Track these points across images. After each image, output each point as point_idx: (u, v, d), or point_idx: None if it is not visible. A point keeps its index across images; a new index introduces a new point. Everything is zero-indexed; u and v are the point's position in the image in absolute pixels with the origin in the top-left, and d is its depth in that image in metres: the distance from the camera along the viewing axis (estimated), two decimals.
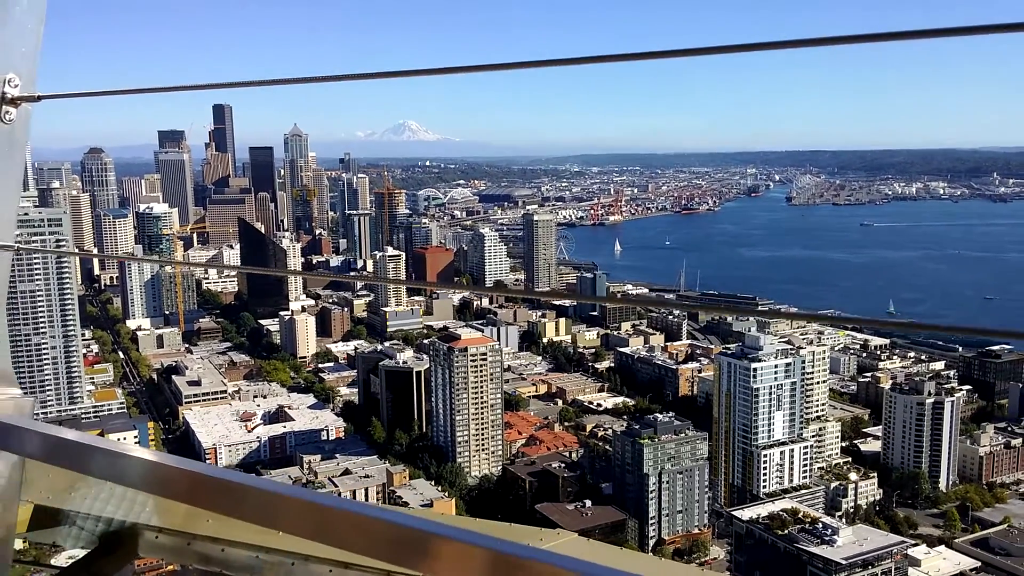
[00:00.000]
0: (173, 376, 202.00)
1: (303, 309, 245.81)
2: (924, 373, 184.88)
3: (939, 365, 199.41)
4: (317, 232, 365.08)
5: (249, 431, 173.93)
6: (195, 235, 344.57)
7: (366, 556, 3.73)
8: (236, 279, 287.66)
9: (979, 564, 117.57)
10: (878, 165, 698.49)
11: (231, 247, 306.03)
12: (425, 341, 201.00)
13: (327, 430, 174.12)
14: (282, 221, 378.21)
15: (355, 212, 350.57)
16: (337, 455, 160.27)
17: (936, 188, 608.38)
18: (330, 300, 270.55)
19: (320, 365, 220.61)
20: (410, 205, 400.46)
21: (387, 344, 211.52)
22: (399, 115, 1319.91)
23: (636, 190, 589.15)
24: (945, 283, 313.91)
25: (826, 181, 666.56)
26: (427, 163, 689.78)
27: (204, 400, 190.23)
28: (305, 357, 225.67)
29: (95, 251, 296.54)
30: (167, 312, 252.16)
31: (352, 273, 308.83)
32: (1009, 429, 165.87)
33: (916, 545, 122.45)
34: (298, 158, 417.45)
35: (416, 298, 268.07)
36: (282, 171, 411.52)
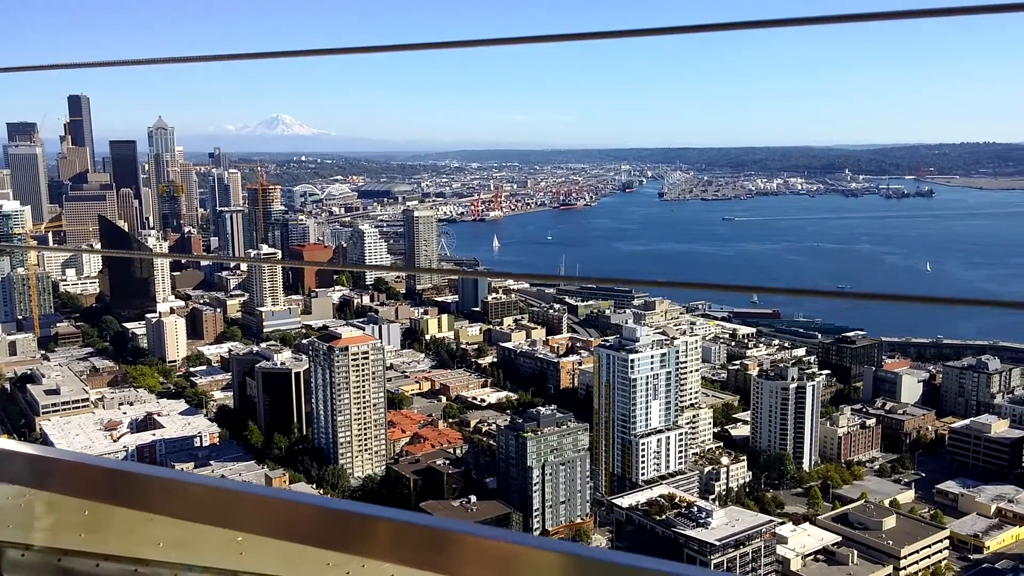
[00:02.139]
0: (28, 385, 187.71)
1: (172, 311, 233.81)
2: (787, 360, 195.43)
3: (801, 352, 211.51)
4: (186, 230, 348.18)
5: (115, 440, 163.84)
6: (51, 234, 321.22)
7: (291, 541, 3.81)
8: (97, 280, 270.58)
9: (840, 539, 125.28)
10: (742, 162, 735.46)
11: (91, 247, 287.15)
12: (304, 341, 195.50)
13: (200, 436, 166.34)
14: (147, 219, 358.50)
15: (227, 209, 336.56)
16: (212, 462, 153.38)
17: (795, 184, 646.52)
18: (201, 300, 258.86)
19: (191, 369, 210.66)
20: (286, 201, 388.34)
21: (264, 345, 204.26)
22: (272, 108, 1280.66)
23: (515, 186, 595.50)
24: (804, 274, 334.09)
25: (695, 177, 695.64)
26: (303, 158, 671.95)
27: (64, 409, 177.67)
28: (175, 361, 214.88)
29: None
30: (20, 317, 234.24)
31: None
32: (864, 410, 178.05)
33: (783, 523, 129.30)
34: (164, 152, 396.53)
35: (293, 297, 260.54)
36: (146, 166, 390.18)
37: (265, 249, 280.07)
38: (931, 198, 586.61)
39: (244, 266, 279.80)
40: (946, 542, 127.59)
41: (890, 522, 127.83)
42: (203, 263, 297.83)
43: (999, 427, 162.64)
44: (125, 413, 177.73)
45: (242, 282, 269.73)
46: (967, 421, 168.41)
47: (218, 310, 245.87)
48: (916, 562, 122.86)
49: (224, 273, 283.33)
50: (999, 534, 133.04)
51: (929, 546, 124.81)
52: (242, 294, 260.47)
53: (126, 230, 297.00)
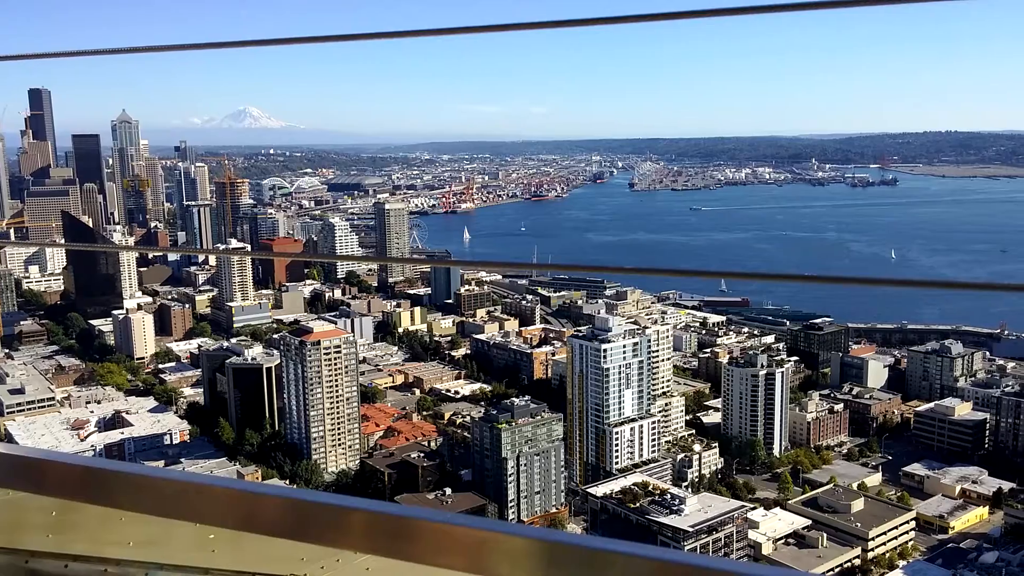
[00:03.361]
0: None
1: (139, 307, 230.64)
2: (757, 347, 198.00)
3: (770, 339, 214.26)
4: (152, 225, 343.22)
5: (82, 439, 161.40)
6: (12, 231, 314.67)
7: (258, 533, 3.80)
8: (61, 277, 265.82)
9: (810, 522, 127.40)
10: (711, 152, 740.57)
11: (55, 243, 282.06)
12: (275, 336, 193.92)
13: (170, 434, 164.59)
14: (112, 214, 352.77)
15: (194, 203, 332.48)
16: (182, 459, 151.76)
17: (763, 173, 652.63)
18: (169, 296, 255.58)
19: (160, 366, 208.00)
20: (254, 195, 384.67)
21: (234, 340, 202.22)
22: (239, 101, 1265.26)
23: (487, 178, 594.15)
24: (772, 263, 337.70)
25: (665, 168, 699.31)
26: (271, 151, 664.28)
27: (29, 409, 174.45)
28: (143, 358, 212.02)
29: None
30: None
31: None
32: (832, 395, 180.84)
33: (754, 508, 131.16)
34: (128, 146, 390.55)
35: (264, 291, 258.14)
36: (110, 160, 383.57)
37: (234, 243, 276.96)
38: (895, 186, 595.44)
39: (213, 261, 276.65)
40: (912, 523, 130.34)
41: (858, 505, 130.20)
42: (171, 258, 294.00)
43: (962, 410, 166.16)
44: (92, 412, 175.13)
45: (211, 277, 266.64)
46: (931, 404, 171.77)
47: (187, 306, 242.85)
48: (884, 543, 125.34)
49: (192, 268, 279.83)
50: (963, 514, 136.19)
51: (896, 527, 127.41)
52: (211, 289, 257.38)
53: (90, 225, 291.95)
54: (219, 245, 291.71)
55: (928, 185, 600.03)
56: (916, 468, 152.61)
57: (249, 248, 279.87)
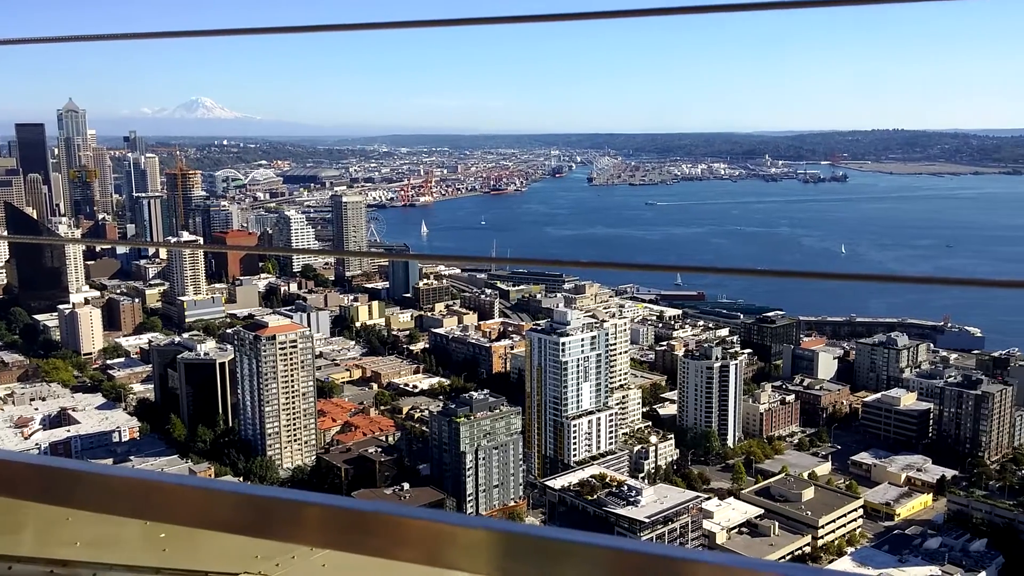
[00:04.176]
0: None
1: (86, 301, 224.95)
2: (712, 340, 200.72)
3: (724, 332, 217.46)
4: (100, 217, 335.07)
5: (26, 438, 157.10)
6: None
7: (215, 530, 3.75)
8: (4, 270, 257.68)
9: (762, 511, 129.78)
10: (667, 147, 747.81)
11: None
12: (229, 331, 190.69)
13: (119, 431, 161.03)
14: (58, 205, 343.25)
15: (144, 195, 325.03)
16: (132, 457, 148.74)
17: (718, 169, 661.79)
18: (118, 290, 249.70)
19: (109, 361, 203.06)
20: (207, 187, 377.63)
21: (186, 335, 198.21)
22: (191, 91, 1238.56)
23: (446, 171, 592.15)
24: (727, 257, 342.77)
25: (623, 162, 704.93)
26: (225, 142, 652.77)
27: None
28: (91, 354, 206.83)
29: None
30: None
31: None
32: (784, 387, 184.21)
33: (709, 499, 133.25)
34: (75, 136, 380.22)
35: (217, 285, 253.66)
36: (56, 150, 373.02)
37: (186, 236, 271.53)
38: (845, 182, 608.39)
39: (164, 254, 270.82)
40: (860, 511, 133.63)
41: (809, 493, 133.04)
42: (120, 251, 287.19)
43: (908, 400, 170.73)
44: (37, 409, 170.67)
45: (162, 271, 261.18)
46: (879, 395, 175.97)
47: (136, 300, 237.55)
48: (833, 531, 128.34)
49: (142, 261, 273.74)
50: (909, 501, 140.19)
51: (845, 515, 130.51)
52: (162, 283, 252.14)
53: (35, 217, 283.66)
54: (170, 238, 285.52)
55: (877, 181, 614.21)
56: (864, 457, 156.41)
57: (201, 241, 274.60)
